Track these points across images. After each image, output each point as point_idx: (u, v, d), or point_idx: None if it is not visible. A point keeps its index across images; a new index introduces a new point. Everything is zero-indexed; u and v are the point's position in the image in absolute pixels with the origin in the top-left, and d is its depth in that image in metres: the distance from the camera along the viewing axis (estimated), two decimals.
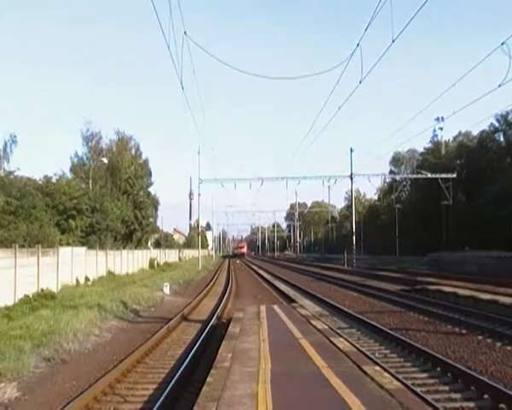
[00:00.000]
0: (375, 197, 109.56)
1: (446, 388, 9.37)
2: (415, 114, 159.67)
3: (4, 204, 28.05)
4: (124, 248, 44.89)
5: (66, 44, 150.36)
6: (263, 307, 17.04)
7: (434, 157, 75.04)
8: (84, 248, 31.81)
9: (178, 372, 10.35)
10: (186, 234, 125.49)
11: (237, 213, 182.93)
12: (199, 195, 62.52)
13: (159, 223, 72.46)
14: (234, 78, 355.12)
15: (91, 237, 37.30)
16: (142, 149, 60.81)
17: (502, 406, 8.15)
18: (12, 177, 32.00)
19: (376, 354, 11.95)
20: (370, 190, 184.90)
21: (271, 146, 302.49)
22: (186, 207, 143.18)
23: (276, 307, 17.45)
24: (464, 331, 14.88)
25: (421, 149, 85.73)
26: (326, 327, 12.85)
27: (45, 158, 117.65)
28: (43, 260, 23.21)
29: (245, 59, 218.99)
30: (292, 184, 64.60)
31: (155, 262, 56.34)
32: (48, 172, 40.15)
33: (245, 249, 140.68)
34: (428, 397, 8.22)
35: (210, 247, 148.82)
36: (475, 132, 72.30)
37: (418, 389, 8.68)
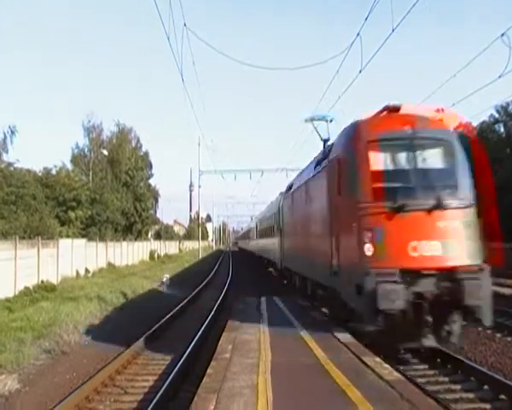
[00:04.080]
0: None
1: (446, 379, 9.39)
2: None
3: (4, 195, 28.03)
4: (124, 239, 44.92)
5: (67, 36, 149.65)
6: (263, 299, 17.02)
7: None
8: (84, 240, 31.82)
9: (176, 368, 10.35)
10: (186, 226, 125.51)
11: (237, 205, 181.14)
12: (199, 186, 62.37)
13: (159, 214, 72.49)
14: (234, 69, 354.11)
15: (91, 229, 37.36)
16: (142, 140, 60.83)
17: (502, 396, 8.17)
18: (12, 168, 31.93)
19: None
20: None
21: (272, 137, 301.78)
22: (186, 198, 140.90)
23: (276, 299, 17.43)
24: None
25: None
26: (326, 319, 12.82)
27: (46, 149, 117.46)
28: (43, 252, 23.22)
29: (245, 50, 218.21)
30: (292, 176, 64.18)
31: (155, 254, 56.40)
32: (48, 164, 40.14)
33: None
34: (428, 388, 8.22)
35: (210, 238, 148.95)
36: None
37: (418, 380, 8.69)
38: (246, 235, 74.34)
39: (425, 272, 8.48)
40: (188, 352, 11.42)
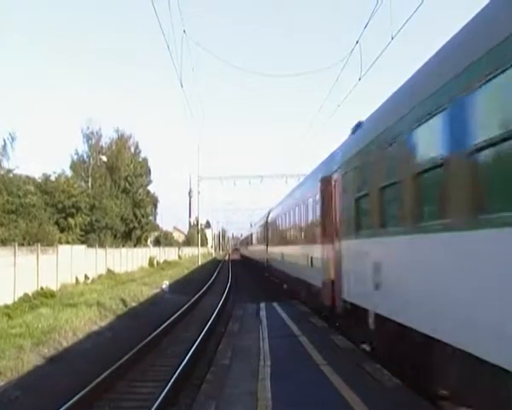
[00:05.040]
0: None
1: None
2: None
3: (5, 202, 28.03)
4: (123, 246, 44.83)
5: (66, 43, 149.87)
6: (262, 305, 17.07)
7: None
8: (83, 247, 31.79)
9: (175, 374, 10.34)
10: (186, 232, 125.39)
11: (237, 211, 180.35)
12: (198, 192, 62.49)
13: (158, 221, 72.44)
14: (233, 75, 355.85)
15: (91, 236, 37.32)
16: (141, 147, 60.83)
17: None
18: (11, 175, 31.92)
19: None
20: None
21: (271, 143, 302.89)
22: (186, 204, 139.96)
23: (275, 305, 17.46)
24: None
25: None
26: (325, 325, 12.83)
27: (45, 156, 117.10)
28: (42, 259, 23.19)
29: (244, 56, 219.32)
30: (292, 182, 63.96)
31: (155, 260, 56.30)
32: (47, 170, 40.16)
33: None
34: None
35: (209, 245, 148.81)
36: None
37: None
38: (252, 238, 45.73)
39: None
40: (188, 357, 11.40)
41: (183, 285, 35.36)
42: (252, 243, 49.70)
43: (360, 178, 9.16)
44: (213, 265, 64.22)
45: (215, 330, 15.49)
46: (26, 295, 20.60)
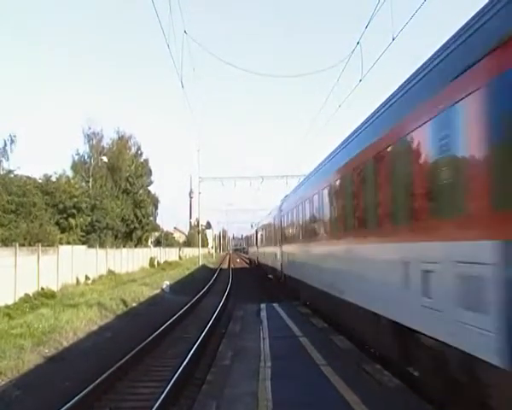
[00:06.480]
0: None
1: None
2: None
3: (5, 203, 28.05)
4: (124, 246, 44.86)
5: (67, 43, 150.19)
6: (263, 306, 17.08)
7: None
8: (84, 247, 31.82)
9: (176, 375, 10.35)
10: (186, 232, 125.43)
11: (237, 212, 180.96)
12: (199, 193, 62.42)
13: (159, 221, 72.41)
14: (234, 76, 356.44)
15: (91, 236, 37.31)
16: (142, 148, 60.86)
17: None
18: (12, 175, 31.95)
19: None
20: None
21: (271, 144, 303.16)
22: (186, 205, 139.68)
23: (275, 305, 17.47)
24: None
25: None
26: (325, 325, 12.84)
27: (46, 156, 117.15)
28: (43, 259, 23.21)
29: (245, 57, 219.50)
30: (292, 182, 63.98)
31: (155, 261, 56.31)
32: (48, 171, 40.14)
33: None
34: None
35: (210, 245, 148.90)
36: None
37: None
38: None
39: None
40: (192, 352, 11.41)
41: (184, 286, 35.37)
42: (252, 245, 60.41)
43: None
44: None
45: (216, 331, 15.51)
46: (26, 295, 20.62)
